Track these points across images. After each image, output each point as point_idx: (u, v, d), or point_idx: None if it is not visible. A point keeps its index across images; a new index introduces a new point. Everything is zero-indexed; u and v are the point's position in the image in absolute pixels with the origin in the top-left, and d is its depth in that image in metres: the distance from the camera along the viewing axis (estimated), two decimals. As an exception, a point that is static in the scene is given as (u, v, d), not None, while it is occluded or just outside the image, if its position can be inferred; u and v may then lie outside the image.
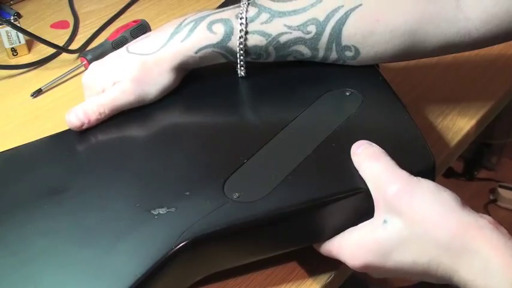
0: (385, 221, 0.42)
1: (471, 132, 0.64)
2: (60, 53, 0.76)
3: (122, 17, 0.85)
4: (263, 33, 0.53)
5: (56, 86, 0.71)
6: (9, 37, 0.75)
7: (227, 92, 0.56)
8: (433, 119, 0.64)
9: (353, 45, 0.53)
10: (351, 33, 0.52)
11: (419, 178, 0.42)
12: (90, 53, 0.72)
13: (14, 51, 0.76)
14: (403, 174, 0.42)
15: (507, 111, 0.89)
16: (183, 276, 0.44)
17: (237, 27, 0.52)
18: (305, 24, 0.52)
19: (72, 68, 0.72)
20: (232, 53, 0.54)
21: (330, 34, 0.52)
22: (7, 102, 0.69)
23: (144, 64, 0.53)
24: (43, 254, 0.42)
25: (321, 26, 0.52)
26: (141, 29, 0.75)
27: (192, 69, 0.56)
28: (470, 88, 0.69)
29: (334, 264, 0.46)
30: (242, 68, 0.55)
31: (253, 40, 0.53)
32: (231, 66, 0.56)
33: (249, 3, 0.53)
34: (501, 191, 1.66)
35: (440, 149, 0.61)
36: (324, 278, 0.49)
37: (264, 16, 0.53)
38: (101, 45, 0.74)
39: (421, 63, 0.70)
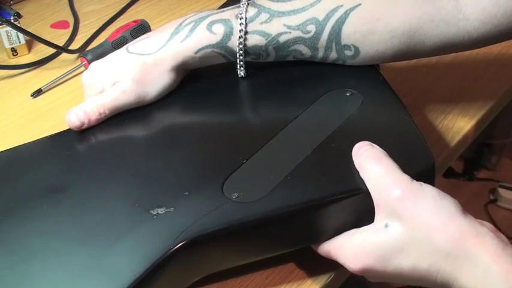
0: (386, 225, 0.42)
1: (471, 132, 0.64)
2: (60, 53, 0.76)
3: (122, 17, 0.85)
4: (263, 33, 0.53)
5: (56, 86, 0.71)
6: (9, 37, 0.75)
7: (227, 92, 0.56)
8: (433, 119, 0.64)
9: (353, 45, 0.53)
10: (350, 32, 0.52)
11: (421, 183, 0.42)
12: (90, 53, 0.72)
13: (14, 51, 0.76)
14: (405, 178, 0.42)
15: (507, 111, 0.89)
16: (181, 276, 0.44)
17: (237, 28, 0.53)
18: (304, 24, 0.52)
19: (72, 68, 0.72)
20: (232, 53, 0.54)
21: (330, 33, 0.53)
22: (7, 102, 0.69)
23: (144, 64, 0.53)
24: (42, 253, 0.42)
25: (320, 26, 0.52)
26: (141, 29, 0.75)
27: (191, 69, 0.56)
28: (470, 88, 0.69)
29: (334, 264, 0.46)
30: (242, 68, 0.55)
31: (253, 40, 0.53)
32: (231, 66, 0.56)
33: (248, 4, 0.53)
34: (501, 191, 1.66)
35: (440, 149, 0.61)
36: (324, 278, 0.49)
37: (264, 16, 0.53)
38: (101, 45, 0.74)
39: (421, 63, 0.70)
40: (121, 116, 0.54)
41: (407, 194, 0.41)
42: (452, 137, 0.62)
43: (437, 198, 0.41)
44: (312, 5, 0.52)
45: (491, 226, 0.42)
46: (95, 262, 0.41)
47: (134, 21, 0.76)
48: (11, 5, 0.86)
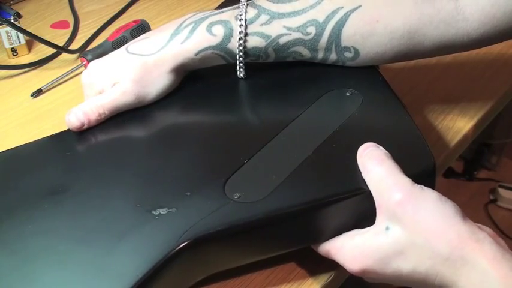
0: (387, 228, 0.42)
1: (471, 132, 0.64)
2: (60, 53, 0.76)
3: (122, 17, 0.85)
4: (263, 35, 0.53)
5: (56, 86, 0.71)
6: (9, 37, 0.75)
7: (227, 92, 0.56)
8: (433, 119, 0.64)
9: (352, 46, 0.53)
10: (350, 34, 0.52)
11: (423, 187, 0.42)
12: (90, 53, 0.72)
13: (14, 51, 0.76)
14: (407, 182, 0.42)
15: (507, 111, 0.89)
16: (183, 276, 0.44)
17: (237, 29, 0.52)
18: (304, 26, 0.52)
19: (72, 68, 0.72)
20: (232, 54, 0.54)
21: (330, 35, 0.52)
22: (7, 102, 0.69)
23: (144, 65, 0.53)
24: (43, 253, 0.42)
25: (320, 27, 0.52)
26: (141, 29, 0.75)
27: (191, 70, 0.56)
28: (470, 88, 0.69)
29: (334, 264, 0.46)
30: (241, 70, 0.55)
31: (253, 42, 0.53)
32: (231, 66, 0.56)
33: (247, 4, 0.53)
34: (501, 191, 1.66)
35: (440, 149, 0.61)
36: (324, 278, 0.49)
37: (264, 18, 0.53)
38: (101, 45, 0.74)
39: (421, 63, 0.70)
40: (122, 116, 0.54)
41: (408, 198, 0.41)
42: (452, 137, 0.62)
43: (438, 203, 0.41)
44: (312, 6, 0.52)
45: (491, 231, 0.42)
46: (97, 262, 0.41)
47: (134, 21, 0.76)
48: (11, 5, 0.86)
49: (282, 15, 0.53)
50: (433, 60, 0.71)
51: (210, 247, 0.43)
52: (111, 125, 0.53)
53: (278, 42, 0.53)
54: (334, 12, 0.52)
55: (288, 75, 0.56)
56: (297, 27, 0.52)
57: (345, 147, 0.47)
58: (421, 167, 0.46)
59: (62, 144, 0.53)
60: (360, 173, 0.45)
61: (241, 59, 0.54)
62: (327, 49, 0.54)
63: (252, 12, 0.53)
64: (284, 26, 0.52)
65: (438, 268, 0.40)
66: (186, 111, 0.55)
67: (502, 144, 1.75)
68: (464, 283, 0.39)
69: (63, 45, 0.77)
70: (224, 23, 0.53)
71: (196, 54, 0.53)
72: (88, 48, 0.76)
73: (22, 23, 0.77)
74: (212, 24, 0.53)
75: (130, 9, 0.87)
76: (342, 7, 0.52)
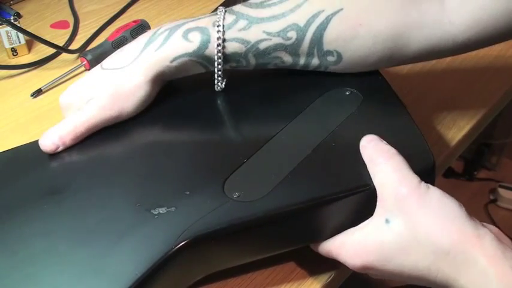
0: (387, 221, 0.42)
1: (471, 132, 0.64)
2: (60, 53, 0.76)
3: (122, 17, 0.85)
4: (241, 40, 0.51)
5: (56, 86, 0.71)
6: (9, 37, 0.75)
7: (227, 92, 0.56)
8: (433, 119, 0.64)
9: (335, 50, 0.52)
10: (332, 38, 0.51)
11: (429, 185, 0.42)
12: (90, 53, 0.72)
13: (14, 51, 0.76)
14: (414, 178, 0.42)
15: (507, 111, 0.89)
16: (183, 275, 0.44)
17: (214, 35, 0.51)
18: (285, 30, 0.51)
19: (72, 68, 0.72)
20: (210, 61, 0.52)
21: (311, 39, 0.51)
22: (7, 102, 0.69)
23: (117, 79, 0.51)
24: (43, 254, 0.42)
25: (301, 32, 0.51)
26: (141, 29, 0.75)
27: (169, 79, 0.54)
28: (470, 88, 0.69)
29: (334, 264, 0.46)
30: (219, 78, 0.54)
31: (232, 47, 0.51)
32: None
33: (225, 11, 0.52)
34: (501, 191, 1.67)
35: (440, 149, 0.61)
36: (324, 278, 0.49)
37: (242, 23, 0.51)
38: (101, 45, 0.74)
39: (420, 63, 0.70)
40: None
41: (413, 194, 0.41)
42: (452, 137, 0.62)
43: (442, 200, 0.41)
44: (292, 10, 0.51)
45: (496, 229, 0.42)
46: (97, 262, 0.41)
47: (134, 21, 0.76)
48: (11, 5, 0.86)
49: (261, 20, 0.51)
50: (433, 60, 0.71)
51: (210, 246, 0.43)
52: (110, 126, 0.53)
53: (258, 48, 0.52)
54: (315, 16, 0.51)
55: (288, 75, 0.56)
56: (277, 32, 0.51)
57: (344, 147, 0.47)
58: (421, 166, 0.46)
59: (61, 144, 0.53)
60: (359, 171, 0.45)
61: (219, 66, 0.52)
62: (309, 54, 0.52)
63: (230, 18, 0.51)
64: (264, 31, 0.51)
65: (439, 264, 0.40)
66: (185, 111, 0.55)
67: (502, 144, 1.75)
68: (464, 280, 0.39)
69: (63, 45, 0.77)
70: (201, 29, 0.51)
71: (171, 62, 0.51)
72: (88, 48, 0.76)
73: (22, 23, 0.77)
74: (189, 30, 0.52)
75: (130, 9, 0.87)
76: (323, 10, 0.51)
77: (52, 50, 0.75)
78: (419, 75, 0.70)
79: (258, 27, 0.51)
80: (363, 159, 0.45)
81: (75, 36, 0.81)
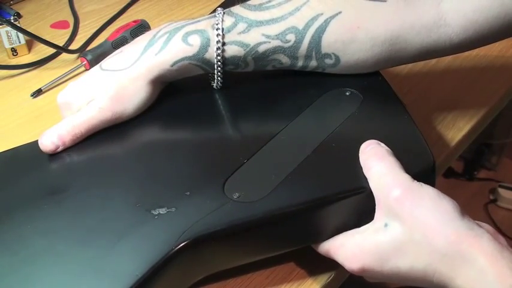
0: (386, 225, 0.42)
1: (471, 132, 0.64)
2: (60, 53, 0.76)
3: (122, 17, 0.85)
4: (241, 44, 0.51)
5: (56, 86, 0.71)
6: (9, 37, 0.75)
7: (227, 92, 0.56)
8: (433, 119, 0.64)
9: (333, 53, 0.52)
10: (331, 41, 0.52)
11: (422, 184, 0.42)
12: (90, 53, 0.72)
13: (14, 51, 0.76)
14: (406, 178, 0.42)
15: (507, 111, 0.89)
16: (183, 276, 0.44)
17: (214, 39, 0.51)
18: (284, 33, 0.51)
19: (72, 68, 0.72)
20: (210, 64, 0.52)
21: (310, 42, 0.51)
22: (7, 102, 0.69)
23: (118, 80, 0.51)
24: (43, 254, 0.42)
25: (300, 35, 0.51)
26: (141, 29, 0.75)
27: (169, 81, 0.54)
28: (470, 88, 0.69)
29: (333, 264, 0.46)
30: (219, 79, 0.54)
31: (231, 51, 0.51)
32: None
33: (224, 13, 0.52)
34: (501, 191, 1.67)
35: (440, 149, 0.61)
36: (324, 278, 0.49)
37: (241, 26, 0.51)
38: (101, 45, 0.74)
39: (420, 63, 0.70)
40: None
41: (406, 194, 0.41)
42: (452, 137, 0.62)
43: (437, 199, 0.41)
44: (291, 13, 0.51)
45: (491, 228, 0.42)
46: (97, 262, 0.41)
47: (134, 21, 0.76)
48: (11, 5, 0.86)
49: (260, 23, 0.51)
50: (433, 60, 0.71)
51: (210, 247, 0.43)
52: (111, 126, 0.53)
53: (257, 51, 0.52)
54: (313, 19, 0.51)
55: (288, 75, 0.56)
56: (276, 35, 0.51)
57: (344, 147, 0.47)
58: (421, 166, 0.46)
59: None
60: (360, 172, 0.45)
61: (219, 68, 0.52)
62: (307, 56, 0.53)
63: (229, 21, 0.51)
64: (263, 34, 0.51)
65: (436, 265, 0.40)
66: (186, 111, 0.55)
67: (502, 144, 1.75)
68: (462, 280, 0.39)
69: (63, 45, 0.77)
70: (200, 32, 0.51)
71: (172, 66, 0.52)
72: (88, 48, 0.76)
73: (22, 23, 0.77)
74: (188, 34, 0.51)
75: (130, 9, 0.87)
76: (322, 14, 0.51)
77: (52, 50, 0.75)
78: (419, 75, 0.70)
79: (258, 30, 0.51)
80: None
81: (75, 36, 0.81)
